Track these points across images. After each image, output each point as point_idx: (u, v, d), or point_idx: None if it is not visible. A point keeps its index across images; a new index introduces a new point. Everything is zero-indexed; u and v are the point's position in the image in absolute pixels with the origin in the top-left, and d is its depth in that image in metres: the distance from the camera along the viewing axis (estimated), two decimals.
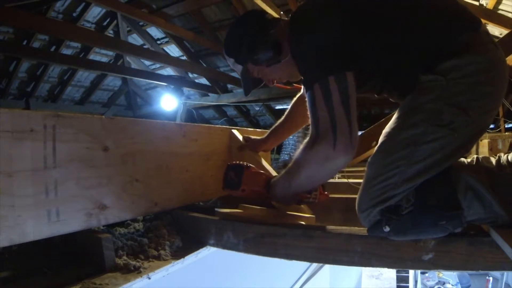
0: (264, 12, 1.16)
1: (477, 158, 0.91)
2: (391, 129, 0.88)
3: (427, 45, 0.88)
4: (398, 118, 0.89)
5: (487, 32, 0.89)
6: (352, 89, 0.87)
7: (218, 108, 8.10)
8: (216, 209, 1.16)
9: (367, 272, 5.90)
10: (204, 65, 6.84)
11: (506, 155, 0.89)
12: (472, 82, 0.82)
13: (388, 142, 0.87)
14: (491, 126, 3.85)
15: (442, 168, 0.83)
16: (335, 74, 0.86)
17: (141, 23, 6.30)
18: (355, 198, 0.91)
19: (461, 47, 0.84)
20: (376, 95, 1.09)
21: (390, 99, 1.08)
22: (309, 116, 0.91)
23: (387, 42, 0.92)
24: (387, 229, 0.82)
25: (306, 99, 0.92)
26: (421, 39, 0.89)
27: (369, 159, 0.90)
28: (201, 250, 1.09)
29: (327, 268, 2.61)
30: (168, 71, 7.19)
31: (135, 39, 6.76)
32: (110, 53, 6.88)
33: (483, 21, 1.01)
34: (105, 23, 6.28)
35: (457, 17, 0.90)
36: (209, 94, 7.26)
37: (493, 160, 0.89)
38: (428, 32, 0.88)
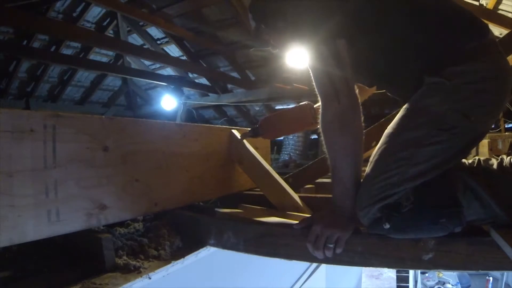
0: None
1: (478, 160, 0.91)
2: (393, 129, 0.89)
3: (435, 49, 0.88)
4: (401, 118, 0.89)
5: (494, 40, 0.89)
6: (344, 53, 0.91)
7: (218, 108, 8.10)
8: (216, 209, 1.16)
9: (367, 272, 5.90)
10: (204, 65, 6.84)
11: (509, 157, 0.89)
12: (477, 89, 0.83)
13: (390, 142, 0.88)
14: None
15: (442, 171, 0.83)
16: (327, 41, 0.91)
17: (141, 23, 6.30)
18: None
19: (468, 54, 0.84)
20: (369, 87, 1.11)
21: (389, 94, 1.08)
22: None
23: (391, 41, 0.92)
24: (387, 226, 0.82)
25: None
26: (429, 42, 0.88)
27: (370, 158, 0.91)
28: (201, 250, 1.09)
29: (323, 268, 2.61)
30: (168, 71, 7.19)
31: (135, 39, 6.76)
32: (110, 53, 6.89)
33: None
34: (105, 23, 6.28)
35: (467, 24, 0.89)
36: (209, 94, 7.27)
37: (495, 161, 0.89)
38: (437, 35, 0.88)
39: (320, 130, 0.96)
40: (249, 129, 1.42)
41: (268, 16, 1.04)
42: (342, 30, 0.92)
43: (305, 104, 1.36)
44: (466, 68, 0.83)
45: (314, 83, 0.95)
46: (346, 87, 0.91)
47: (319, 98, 0.95)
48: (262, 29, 1.09)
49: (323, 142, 0.96)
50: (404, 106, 0.91)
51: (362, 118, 0.94)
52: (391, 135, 0.88)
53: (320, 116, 0.95)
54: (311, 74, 0.95)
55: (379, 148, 0.89)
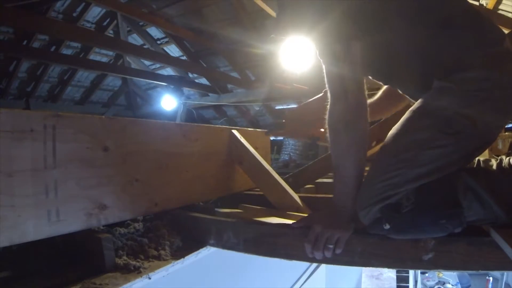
0: None
1: (478, 160, 0.91)
2: (398, 130, 0.88)
3: (445, 52, 0.87)
4: (407, 120, 0.89)
5: (510, 49, 0.87)
6: (356, 53, 0.92)
7: (218, 108, 8.09)
8: (216, 209, 1.16)
9: (367, 272, 5.90)
10: (204, 65, 6.84)
11: (508, 158, 0.89)
12: (486, 97, 0.82)
13: (393, 143, 0.88)
14: None
15: (444, 174, 0.83)
16: (341, 41, 0.91)
17: (141, 23, 6.30)
18: None
19: (481, 61, 0.83)
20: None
21: (399, 91, 1.08)
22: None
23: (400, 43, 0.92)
24: (387, 226, 0.82)
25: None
26: (437, 45, 0.88)
27: (374, 157, 0.91)
28: (201, 250, 1.09)
29: (323, 268, 2.61)
30: (168, 71, 7.19)
31: (135, 39, 6.76)
32: (110, 53, 6.88)
33: None
34: (105, 23, 6.28)
35: (481, 30, 0.88)
36: (209, 94, 7.27)
37: (494, 162, 0.89)
38: (448, 39, 0.87)
39: (327, 127, 0.96)
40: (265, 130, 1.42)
41: (293, 5, 1.04)
42: (353, 30, 0.92)
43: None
44: (477, 75, 0.82)
45: (325, 79, 0.96)
46: (355, 87, 0.92)
47: (328, 95, 0.96)
48: (284, 17, 1.09)
49: (328, 140, 0.96)
50: (411, 108, 0.90)
51: (369, 120, 0.94)
52: (395, 136, 0.88)
53: (327, 114, 0.95)
54: (324, 70, 0.96)
55: (382, 148, 0.89)
